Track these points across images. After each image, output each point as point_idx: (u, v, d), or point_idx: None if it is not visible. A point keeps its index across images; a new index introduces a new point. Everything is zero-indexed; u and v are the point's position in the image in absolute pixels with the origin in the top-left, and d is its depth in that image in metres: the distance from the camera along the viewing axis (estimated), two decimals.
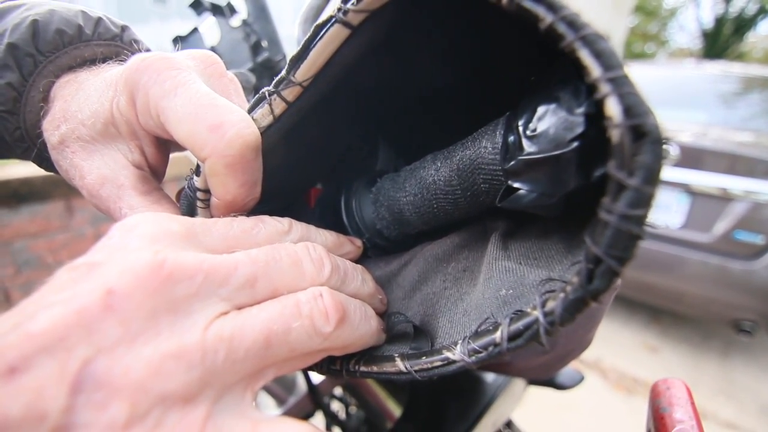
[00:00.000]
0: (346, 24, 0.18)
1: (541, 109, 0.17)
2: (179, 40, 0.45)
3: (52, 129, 0.24)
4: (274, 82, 0.19)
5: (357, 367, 0.19)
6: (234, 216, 0.20)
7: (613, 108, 0.12)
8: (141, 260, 0.14)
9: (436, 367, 0.17)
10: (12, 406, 0.11)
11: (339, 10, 0.18)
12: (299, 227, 0.21)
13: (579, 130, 0.16)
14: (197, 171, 0.20)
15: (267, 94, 0.19)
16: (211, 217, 0.21)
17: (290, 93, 0.19)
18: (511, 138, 0.19)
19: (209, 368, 0.13)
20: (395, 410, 0.48)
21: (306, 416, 0.60)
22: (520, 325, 0.15)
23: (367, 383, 0.51)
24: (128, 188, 0.22)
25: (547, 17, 0.13)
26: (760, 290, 1.61)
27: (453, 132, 0.24)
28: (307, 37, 0.18)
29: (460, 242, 0.25)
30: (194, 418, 0.13)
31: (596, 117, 0.15)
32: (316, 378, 0.55)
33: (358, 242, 0.26)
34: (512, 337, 0.15)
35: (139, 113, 0.21)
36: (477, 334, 0.17)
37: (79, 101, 0.23)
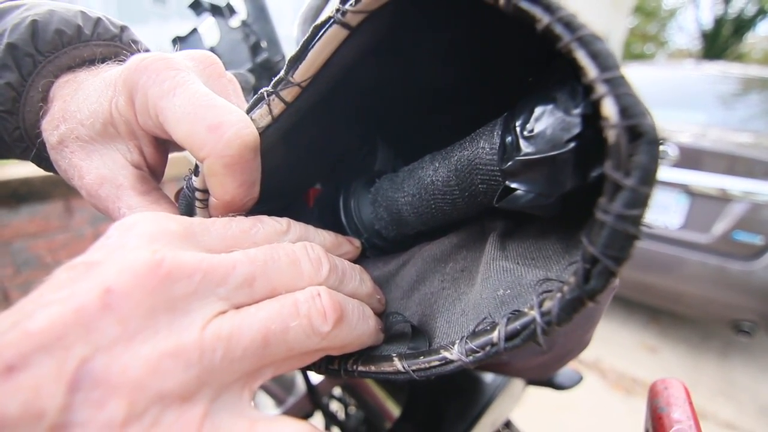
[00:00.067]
0: (344, 25, 0.18)
1: (538, 110, 0.17)
2: (178, 41, 0.45)
3: (51, 129, 0.24)
4: (272, 82, 0.19)
5: (355, 367, 0.20)
6: (232, 216, 0.20)
7: (609, 109, 0.12)
8: (139, 259, 0.14)
9: (434, 366, 0.17)
10: (10, 405, 0.11)
11: (337, 10, 0.18)
12: (298, 227, 0.21)
13: (576, 130, 0.16)
14: (196, 171, 0.20)
15: (266, 95, 0.20)
16: (210, 217, 0.21)
17: (289, 93, 0.19)
18: (509, 139, 0.19)
19: (207, 367, 0.13)
20: (394, 410, 0.48)
21: (305, 416, 0.60)
22: (517, 324, 0.15)
23: (366, 383, 0.51)
24: (127, 188, 0.22)
25: (543, 18, 0.13)
26: (759, 291, 1.61)
27: (452, 132, 0.24)
28: (305, 37, 0.18)
29: (458, 242, 0.25)
30: (192, 416, 0.13)
31: (593, 118, 0.15)
32: (315, 378, 0.55)
33: (357, 242, 0.26)
34: (509, 337, 0.15)
35: (138, 113, 0.21)
36: (474, 334, 0.17)
37: (78, 101, 0.23)
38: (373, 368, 0.19)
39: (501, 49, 0.22)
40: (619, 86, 0.12)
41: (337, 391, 0.63)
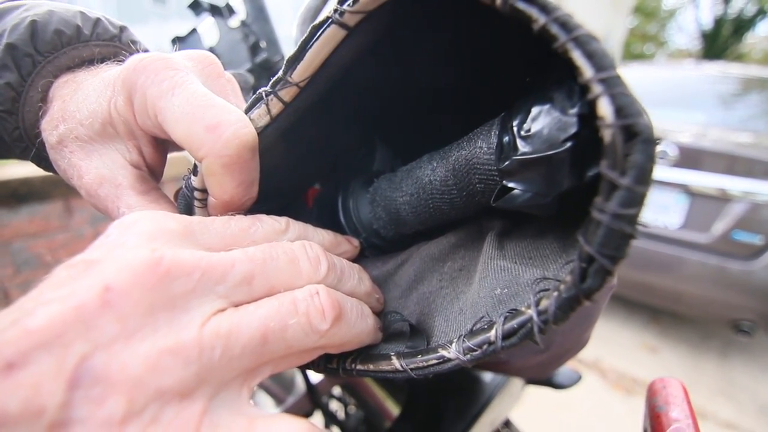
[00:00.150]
0: (342, 25, 0.18)
1: (535, 110, 0.17)
2: (178, 41, 0.45)
3: (51, 129, 0.24)
4: (271, 82, 0.20)
5: (354, 366, 0.20)
6: (231, 215, 0.20)
7: (605, 108, 0.12)
8: (138, 257, 0.14)
9: (432, 365, 0.17)
10: (10, 402, 0.11)
11: (335, 11, 0.18)
12: (296, 226, 0.21)
13: (572, 130, 0.16)
14: (194, 171, 0.20)
15: (264, 95, 0.20)
16: (209, 216, 0.21)
17: (287, 93, 0.19)
18: (506, 138, 0.19)
19: (206, 364, 0.14)
20: (394, 410, 0.48)
21: (305, 415, 0.60)
22: (514, 323, 0.15)
23: (366, 383, 0.51)
24: (126, 188, 0.22)
25: (540, 18, 0.13)
26: (758, 290, 1.61)
27: (450, 132, 0.24)
28: (303, 37, 0.19)
29: (456, 242, 0.25)
30: (191, 413, 0.13)
31: (589, 117, 0.15)
32: (315, 377, 0.55)
33: (355, 242, 0.26)
34: (506, 336, 0.15)
35: (136, 113, 0.21)
36: (472, 333, 0.17)
37: (77, 101, 0.23)
38: (371, 367, 0.19)
39: (499, 49, 0.22)
40: (614, 86, 0.12)
41: (336, 390, 0.63)
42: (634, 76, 2.44)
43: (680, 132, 1.81)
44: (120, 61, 0.25)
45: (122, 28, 0.28)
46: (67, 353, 0.12)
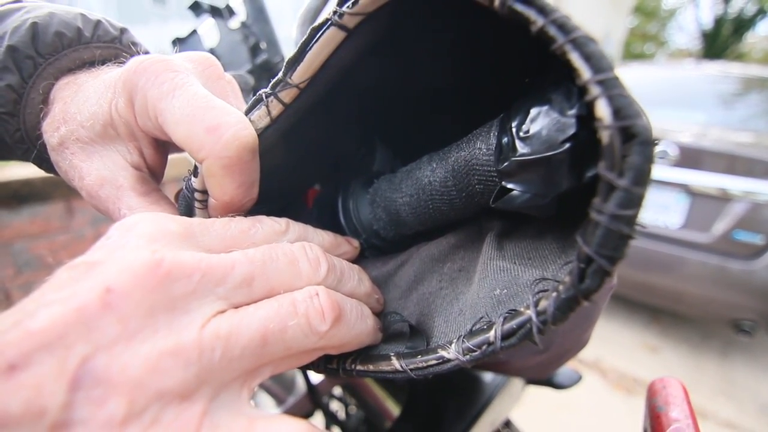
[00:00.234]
0: (341, 27, 0.18)
1: (533, 111, 0.18)
2: (178, 42, 0.45)
3: (52, 131, 0.24)
4: (271, 84, 0.20)
5: (354, 366, 0.20)
6: (232, 216, 0.20)
7: (602, 110, 0.12)
8: (139, 259, 0.14)
9: (431, 365, 0.17)
10: (12, 403, 0.11)
11: (334, 13, 0.18)
12: (296, 227, 0.21)
13: (571, 131, 0.16)
14: (195, 172, 0.21)
15: (264, 96, 0.20)
16: (209, 217, 0.21)
17: (287, 95, 0.19)
18: (505, 139, 0.19)
19: (206, 366, 0.14)
20: (394, 410, 0.48)
21: (305, 416, 0.60)
22: (513, 324, 0.15)
23: (366, 383, 0.51)
24: (127, 189, 0.23)
25: (538, 20, 0.13)
26: (759, 290, 1.61)
27: (450, 133, 0.24)
28: (303, 39, 0.19)
29: (455, 242, 0.25)
30: (191, 414, 0.13)
31: (588, 119, 0.15)
32: (316, 378, 0.55)
33: (355, 242, 0.26)
34: (505, 336, 0.16)
35: (137, 115, 0.21)
36: (471, 333, 0.17)
37: (78, 103, 0.23)
38: (371, 367, 0.19)
39: (499, 50, 0.22)
40: (612, 87, 0.12)
41: (337, 390, 0.63)
42: (634, 75, 2.44)
43: (680, 132, 1.81)
44: (121, 62, 0.25)
45: (123, 30, 0.28)
46: (69, 354, 0.12)
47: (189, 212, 0.22)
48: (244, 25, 0.45)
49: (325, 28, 0.18)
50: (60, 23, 0.25)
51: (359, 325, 0.19)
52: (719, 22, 10.30)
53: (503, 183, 0.19)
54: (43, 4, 0.27)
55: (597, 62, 0.12)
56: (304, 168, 0.30)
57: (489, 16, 0.15)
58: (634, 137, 0.12)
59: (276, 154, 0.23)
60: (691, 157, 1.71)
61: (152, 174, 0.25)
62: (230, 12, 0.45)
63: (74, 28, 0.26)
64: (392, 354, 0.19)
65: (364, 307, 0.20)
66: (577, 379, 0.51)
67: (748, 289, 1.63)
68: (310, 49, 0.18)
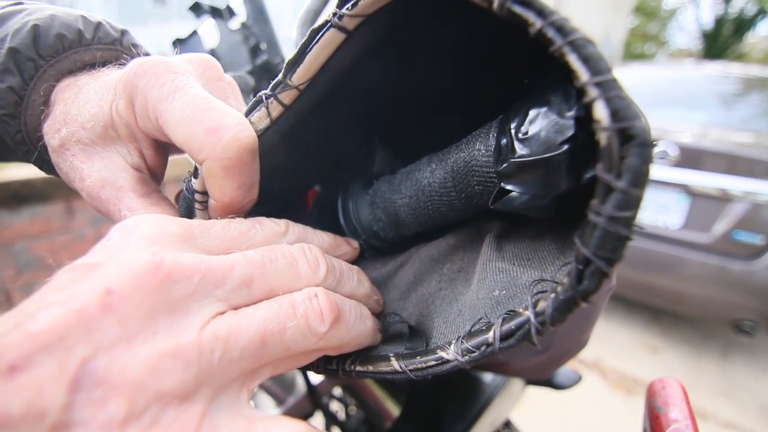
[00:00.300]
0: (341, 28, 0.18)
1: (532, 112, 0.18)
2: (179, 43, 0.45)
3: (53, 132, 0.24)
4: (271, 85, 0.20)
5: (353, 367, 0.20)
6: (231, 218, 0.20)
7: (600, 112, 0.12)
8: (139, 261, 0.14)
9: (431, 366, 0.18)
10: (12, 404, 0.11)
11: (334, 14, 0.18)
12: (296, 229, 0.22)
13: (569, 133, 0.16)
14: (195, 173, 0.21)
15: (264, 98, 0.20)
16: (209, 218, 0.21)
17: (287, 96, 0.20)
18: (504, 141, 0.19)
19: (205, 367, 0.14)
20: (394, 410, 0.49)
21: (305, 416, 0.60)
22: (512, 325, 0.15)
23: (366, 384, 0.51)
24: (127, 190, 0.23)
25: (536, 22, 0.13)
26: (759, 290, 1.61)
27: (450, 134, 0.24)
28: (303, 41, 0.19)
29: (455, 243, 0.25)
30: (190, 415, 0.13)
31: (586, 120, 0.15)
32: (316, 378, 0.55)
33: (355, 243, 0.26)
34: (504, 337, 0.16)
35: (137, 116, 0.21)
36: (470, 334, 0.17)
37: (79, 105, 0.24)
38: (370, 368, 0.19)
39: (499, 51, 0.22)
40: (610, 89, 0.12)
41: (337, 391, 0.63)
42: (634, 75, 2.44)
43: (681, 132, 1.81)
44: (121, 64, 0.25)
45: (123, 32, 0.28)
46: (69, 356, 0.12)
47: (189, 213, 0.22)
48: (244, 25, 0.45)
49: (324, 29, 0.18)
50: (61, 25, 0.25)
51: (358, 326, 0.19)
52: (720, 22, 10.30)
53: (502, 184, 0.19)
54: (45, 6, 0.27)
55: (595, 64, 0.12)
56: (304, 169, 0.30)
57: (489, 17, 0.15)
58: (632, 139, 0.12)
59: (276, 155, 0.23)
60: (691, 158, 1.71)
61: (152, 175, 0.25)
62: (230, 13, 0.45)
63: (75, 30, 0.26)
64: (391, 355, 0.19)
65: (363, 308, 0.20)
66: (577, 380, 0.51)
67: (748, 290, 1.63)
68: (310, 50, 0.19)
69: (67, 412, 0.12)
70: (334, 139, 0.30)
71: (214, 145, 0.18)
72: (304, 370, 0.21)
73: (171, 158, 0.27)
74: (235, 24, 0.45)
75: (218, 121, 0.18)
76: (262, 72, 0.44)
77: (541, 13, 0.13)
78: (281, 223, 0.21)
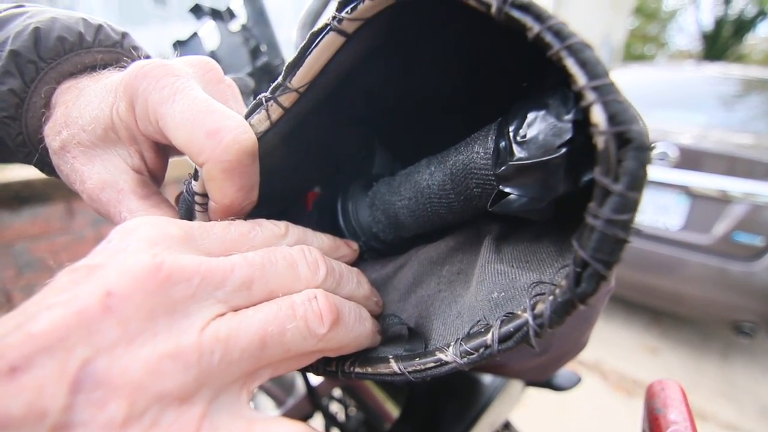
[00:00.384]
0: (340, 32, 0.18)
1: (531, 116, 0.18)
2: (179, 45, 0.45)
3: (54, 134, 0.24)
4: (270, 88, 0.20)
5: (352, 369, 0.20)
6: (231, 219, 0.20)
7: (597, 115, 0.12)
8: (140, 263, 0.14)
9: (429, 368, 0.18)
10: (13, 405, 0.11)
11: (333, 18, 0.18)
12: (296, 230, 0.22)
13: (567, 136, 0.16)
14: (195, 175, 0.21)
15: (264, 100, 0.20)
16: (209, 220, 0.21)
17: (287, 99, 0.20)
18: (503, 143, 0.19)
19: (205, 368, 0.14)
20: (394, 411, 0.49)
21: (305, 417, 0.60)
22: (510, 327, 0.16)
23: (366, 385, 0.51)
24: (128, 192, 0.23)
25: (534, 27, 0.13)
26: (759, 292, 1.61)
27: (449, 136, 0.24)
28: (302, 44, 0.19)
29: (454, 245, 0.25)
30: (190, 417, 0.13)
31: (584, 124, 0.15)
32: (315, 380, 0.55)
33: (354, 245, 0.26)
34: (502, 339, 0.16)
35: (138, 119, 0.21)
36: (469, 336, 0.17)
37: (79, 107, 0.24)
38: (369, 370, 0.19)
39: (499, 54, 0.23)
40: (607, 93, 0.12)
41: (337, 392, 0.63)
42: (634, 77, 2.45)
43: (681, 133, 1.81)
44: (122, 67, 0.25)
45: (124, 35, 0.28)
46: (70, 357, 0.12)
47: (189, 215, 0.22)
48: (244, 27, 0.45)
49: (324, 33, 0.18)
50: (62, 28, 0.26)
51: (358, 328, 0.19)
52: (720, 23, 10.31)
53: (500, 187, 0.19)
54: (46, 8, 0.27)
55: (592, 68, 0.13)
56: (304, 171, 0.30)
57: (488, 20, 0.15)
58: (630, 142, 0.12)
59: (276, 157, 0.23)
60: (691, 159, 1.71)
61: (153, 177, 0.25)
62: (231, 15, 0.46)
63: (76, 33, 0.26)
64: (390, 356, 0.19)
65: (362, 309, 0.20)
66: (576, 381, 0.51)
67: (748, 291, 1.63)
68: (310, 53, 0.19)
69: (68, 413, 0.12)
70: (333, 141, 0.30)
71: (214, 147, 0.18)
72: (303, 371, 0.21)
73: (171, 160, 0.27)
74: (235, 26, 0.45)
75: (218, 124, 0.18)
76: (262, 74, 0.45)
77: (539, 17, 0.13)
78: (281, 225, 0.21)
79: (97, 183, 0.23)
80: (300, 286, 0.18)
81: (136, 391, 0.12)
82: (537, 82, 0.19)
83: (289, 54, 0.28)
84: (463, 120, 0.25)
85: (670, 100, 2.22)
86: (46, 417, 0.11)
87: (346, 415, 0.63)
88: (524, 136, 0.18)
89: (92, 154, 0.23)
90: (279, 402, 0.70)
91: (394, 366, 0.18)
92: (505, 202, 0.19)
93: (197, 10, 0.46)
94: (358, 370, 0.20)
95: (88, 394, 0.12)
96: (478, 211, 0.23)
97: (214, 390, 0.14)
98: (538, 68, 0.19)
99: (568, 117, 0.16)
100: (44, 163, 0.27)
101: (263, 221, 0.21)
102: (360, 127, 0.31)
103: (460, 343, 0.17)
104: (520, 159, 0.18)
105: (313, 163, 0.30)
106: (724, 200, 1.65)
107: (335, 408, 0.64)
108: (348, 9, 0.18)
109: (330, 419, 0.57)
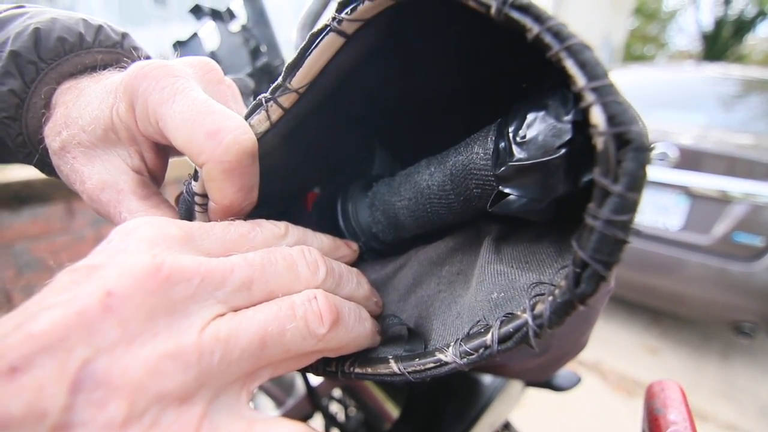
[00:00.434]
0: (340, 33, 0.18)
1: (530, 116, 0.18)
2: (179, 46, 0.45)
3: (54, 135, 0.24)
4: (270, 88, 0.20)
5: (352, 369, 0.20)
6: (231, 220, 0.20)
7: (597, 116, 0.12)
8: (140, 263, 0.14)
9: (429, 368, 0.18)
10: (13, 405, 0.11)
11: (333, 19, 0.18)
12: (295, 231, 0.22)
13: (567, 137, 0.16)
14: (195, 176, 0.21)
15: (264, 101, 0.20)
16: (209, 221, 0.21)
17: (286, 100, 0.20)
18: (502, 144, 0.19)
19: (205, 368, 0.14)
20: (393, 412, 0.49)
21: (305, 418, 0.60)
22: (510, 327, 0.16)
23: (366, 385, 0.51)
24: (128, 193, 0.23)
25: (534, 28, 0.14)
26: (759, 292, 1.61)
27: (449, 136, 0.25)
28: (302, 45, 0.19)
29: (454, 246, 0.25)
30: (190, 417, 0.13)
31: (584, 125, 0.15)
32: (315, 380, 0.55)
33: (354, 246, 0.26)
34: (502, 340, 0.16)
35: (138, 119, 0.21)
36: (469, 337, 0.17)
37: (79, 107, 0.24)
38: (369, 370, 0.19)
39: (498, 55, 0.23)
40: (606, 94, 0.12)
41: (336, 392, 0.63)
42: (634, 77, 2.45)
43: (681, 133, 1.81)
44: (122, 67, 0.25)
45: (124, 35, 0.29)
46: (70, 357, 0.12)
47: (189, 216, 0.22)
48: (244, 28, 0.45)
49: (324, 34, 0.18)
50: (62, 28, 0.26)
51: (357, 328, 0.19)
52: (719, 23, 10.31)
53: (500, 187, 0.19)
54: (46, 9, 0.27)
55: (592, 69, 0.13)
56: (304, 171, 0.30)
57: (488, 20, 0.15)
58: (629, 143, 0.12)
59: (276, 157, 0.23)
60: (691, 159, 1.71)
61: (153, 178, 0.25)
62: (231, 15, 0.46)
63: (76, 34, 0.26)
64: (390, 357, 0.19)
65: (362, 310, 0.20)
66: (576, 381, 0.51)
67: (748, 291, 1.63)
68: (309, 54, 0.19)
69: (68, 413, 0.12)
70: (333, 142, 0.30)
71: (214, 148, 0.18)
72: (303, 371, 0.21)
73: (171, 160, 0.27)
74: (235, 26, 0.45)
75: (218, 125, 0.18)
76: (262, 74, 0.45)
77: (539, 18, 0.13)
78: (281, 226, 0.21)
79: (97, 183, 0.23)
80: (300, 286, 0.18)
81: (136, 391, 0.12)
82: (537, 83, 0.19)
83: (289, 54, 0.28)
84: (463, 121, 0.25)
85: (670, 100, 2.22)
86: (46, 417, 0.11)
87: (346, 415, 0.63)
88: (524, 137, 0.18)
89: (92, 155, 0.23)
90: (279, 402, 0.70)
91: (394, 366, 0.18)
92: (504, 202, 0.19)
93: (197, 11, 0.46)
94: (357, 370, 0.20)
95: (88, 394, 0.12)
96: (477, 212, 0.23)
97: (214, 390, 0.14)
98: (537, 69, 0.19)
99: (568, 118, 0.16)
100: (44, 163, 0.27)
101: (263, 222, 0.21)
102: (360, 128, 0.31)
103: (460, 344, 0.17)
104: (519, 160, 0.18)
105: (313, 164, 0.30)
106: (724, 200, 1.66)
107: (335, 408, 0.64)
108: (348, 10, 0.18)
109: (330, 419, 0.57)
